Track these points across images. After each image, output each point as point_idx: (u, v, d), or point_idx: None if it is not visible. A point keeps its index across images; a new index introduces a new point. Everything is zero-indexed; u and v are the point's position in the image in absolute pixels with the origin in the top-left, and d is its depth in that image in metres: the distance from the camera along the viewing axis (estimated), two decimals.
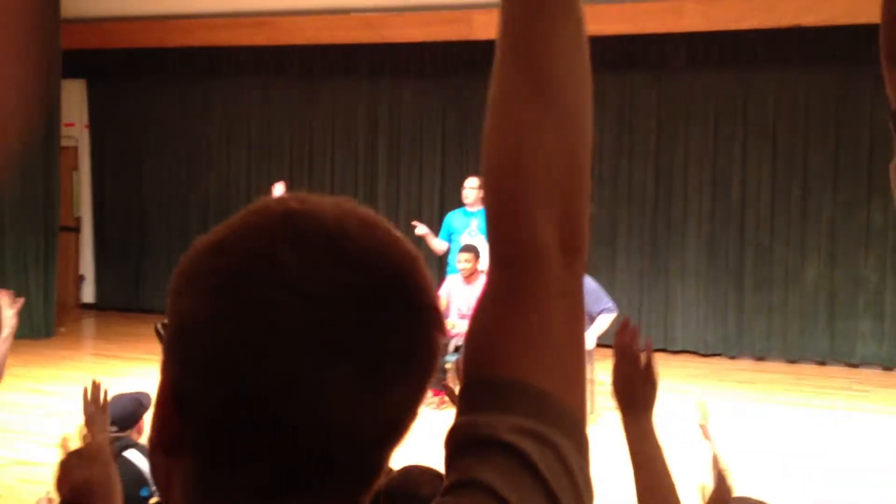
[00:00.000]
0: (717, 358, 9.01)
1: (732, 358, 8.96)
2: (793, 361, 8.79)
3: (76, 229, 11.40)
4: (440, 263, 8.33)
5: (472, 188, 7.69)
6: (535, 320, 0.75)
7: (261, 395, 0.63)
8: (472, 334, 0.77)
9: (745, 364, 8.82)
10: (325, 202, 0.70)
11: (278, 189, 6.93)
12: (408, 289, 0.67)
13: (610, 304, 6.65)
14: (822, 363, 8.71)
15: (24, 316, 9.66)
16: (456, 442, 0.72)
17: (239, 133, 10.67)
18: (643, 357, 1.61)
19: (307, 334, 0.63)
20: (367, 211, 0.71)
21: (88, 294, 11.43)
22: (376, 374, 0.65)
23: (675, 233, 9.17)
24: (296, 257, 0.64)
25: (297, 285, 0.63)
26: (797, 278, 8.78)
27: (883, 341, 8.52)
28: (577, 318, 0.78)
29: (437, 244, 7.84)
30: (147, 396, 4.10)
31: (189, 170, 10.87)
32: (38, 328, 9.43)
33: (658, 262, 9.22)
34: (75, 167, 11.32)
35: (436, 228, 8.01)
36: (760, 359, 8.92)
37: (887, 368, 8.51)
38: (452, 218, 7.83)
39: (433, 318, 0.69)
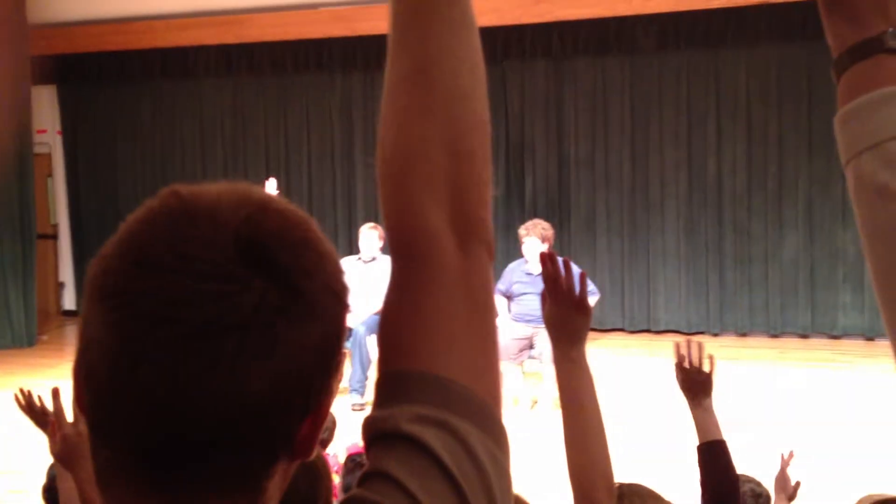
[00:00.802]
0: (701, 335, 9.05)
1: (716, 335, 9.03)
2: (775, 336, 8.87)
3: (54, 236, 11.31)
4: None
5: None
6: (430, 308, 0.74)
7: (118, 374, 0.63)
8: (380, 326, 0.77)
9: (729, 340, 8.89)
10: (219, 185, 0.70)
11: (270, 185, 6.90)
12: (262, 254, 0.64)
13: (592, 287, 6.67)
14: (805, 336, 8.79)
15: (4, 325, 9.68)
16: (367, 435, 0.74)
17: (213, 133, 10.62)
18: (576, 288, 1.61)
19: (181, 313, 0.62)
20: (267, 196, 0.70)
21: (70, 301, 11.36)
22: (262, 337, 0.62)
23: (653, 214, 9.21)
24: (161, 226, 0.66)
25: (148, 258, 0.64)
26: (776, 254, 8.85)
27: (864, 312, 8.60)
28: (481, 305, 0.77)
29: None
30: None
31: (164, 171, 10.80)
32: (20, 337, 9.37)
33: (638, 244, 9.27)
34: (50, 174, 11.23)
35: None
36: (743, 335, 8.99)
37: (869, 339, 8.59)
38: None
39: (310, 293, 0.65)
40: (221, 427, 0.62)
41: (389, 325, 0.76)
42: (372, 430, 0.73)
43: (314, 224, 0.70)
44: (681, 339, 8.79)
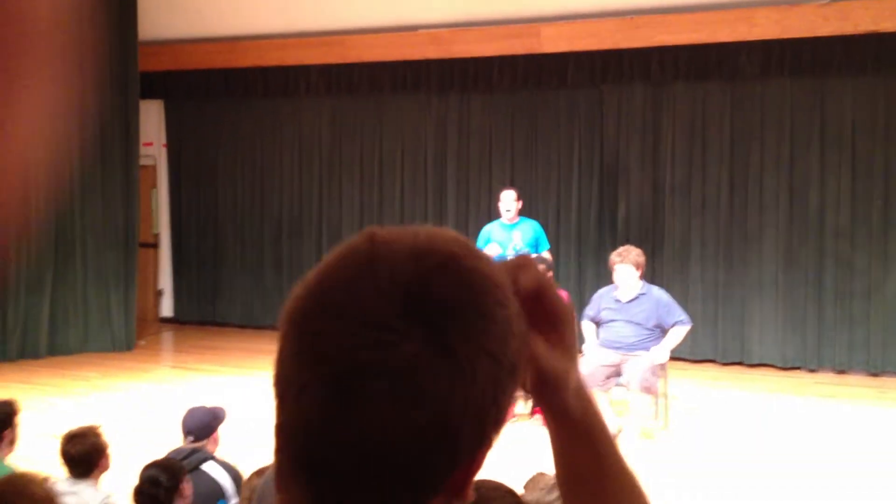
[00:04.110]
0: (797, 371, 8.80)
1: (812, 371, 8.75)
2: (875, 374, 8.55)
3: (155, 245, 11.69)
4: None
5: (512, 201, 7.60)
6: None
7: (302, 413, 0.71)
8: None
9: (826, 377, 8.60)
10: (410, 229, 0.74)
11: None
12: (480, 338, 0.70)
13: (683, 316, 6.55)
14: None
15: (106, 329, 10.03)
16: None
17: (310, 150, 10.84)
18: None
19: (347, 354, 0.68)
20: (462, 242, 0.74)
21: (167, 308, 11.70)
22: (407, 388, 0.68)
23: (751, 243, 9.00)
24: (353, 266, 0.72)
25: (380, 335, 0.68)
26: (879, 289, 8.54)
27: None
28: None
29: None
30: (222, 410, 4.17)
31: (262, 186, 11.07)
32: (120, 341, 9.69)
33: (733, 274, 9.06)
34: (154, 185, 11.62)
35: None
36: (841, 372, 8.69)
37: None
38: (492, 231, 7.72)
39: (512, 370, 0.72)
40: (364, 461, 0.69)
41: None
42: None
43: (493, 286, 0.72)
44: (775, 373, 8.50)
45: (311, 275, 0.75)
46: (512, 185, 9.73)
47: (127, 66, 9.64)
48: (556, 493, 2.66)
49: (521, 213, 7.74)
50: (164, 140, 11.52)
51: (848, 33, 8.30)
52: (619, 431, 6.36)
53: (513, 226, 7.60)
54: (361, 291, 0.70)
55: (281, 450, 0.74)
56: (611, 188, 9.50)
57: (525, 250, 7.41)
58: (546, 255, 7.57)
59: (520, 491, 2.79)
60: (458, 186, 10.18)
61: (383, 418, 0.67)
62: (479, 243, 7.68)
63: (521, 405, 7.06)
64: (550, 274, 7.17)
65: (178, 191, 11.50)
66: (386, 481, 0.70)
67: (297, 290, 0.75)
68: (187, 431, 3.92)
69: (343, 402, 0.68)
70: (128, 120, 9.78)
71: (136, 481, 3.28)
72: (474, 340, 0.69)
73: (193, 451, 3.72)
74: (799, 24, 8.41)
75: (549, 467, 3.04)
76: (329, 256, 0.75)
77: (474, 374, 0.69)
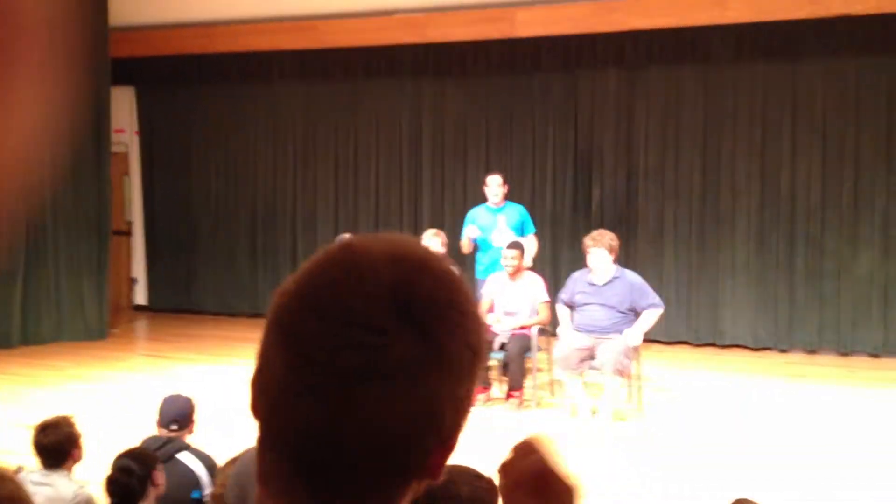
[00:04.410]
0: (768, 351, 8.90)
1: (783, 351, 8.85)
2: (845, 354, 8.66)
3: (128, 233, 11.61)
4: (471, 261, 8.33)
5: (498, 185, 7.64)
6: None
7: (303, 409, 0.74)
8: None
9: (797, 357, 8.70)
10: (381, 238, 0.79)
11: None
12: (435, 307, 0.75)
13: (656, 299, 6.60)
14: (876, 355, 8.56)
15: (78, 318, 9.94)
16: None
17: (284, 135, 10.78)
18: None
19: (338, 358, 0.72)
20: (422, 249, 0.79)
21: (140, 296, 11.64)
22: (403, 386, 0.72)
23: (723, 226, 9.07)
24: (333, 272, 0.76)
25: (361, 332, 0.72)
26: (849, 270, 8.64)
27: None
28: None
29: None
30: (192, 399, 4.15)
31: (236, 173, 11.01)
32: (92, 330, 9.63)
33: (706, 256, 9.14)
34: (126, 172, 11.53)
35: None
36: (812, 352, 8.80)
37: None
38: (477, 215, 7.76)
39: (448, 350, 0.75)
40: (365, 456, 0.74)
41: None
42: None
43: (463, 284, 0.79)
44: (747, 354, 8.61)
45: (290, 281, 0.79)
46: (488, 169, 9.76)
47: (98, 53, 9.53)
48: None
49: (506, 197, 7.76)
50: (136, 127, 11.42)
51: (820, 16, 8.35)
52: (594, 413, 6.41)
53: (498, 210, 7.63)
54: (349, 295, 0.73)
55: (271, 451, 0.77)
56: (585, 172, 9.54)
57: (510, 233, 7.45)
58: (532, 238, 7.60)
59: (494, 475, 2.80)
60: (433, 172, 10.18)
61: (382, 417, 0.72)
62: (465, 226, 7.72)
63: (496, 389, 7.10)
64: (524, 258, 7.22)
65: (151, 178, 11.42)
66: (381, 473, 0.75)
67: (280, 295, 0.78)
68: (170, 420, 3.90)
69: (343, 405, 0.72)
70: (99, 107, 9.68)
71: (108, 471, 3.27)
72: (458, 336, 0.75)
73: (168, 441, 3.71)
74: (771, 8, 8.46)
75: (506, 448, 3.04)
76: (308, 264, 0.79)
77: (459, 367, 0.75)
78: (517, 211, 7.68)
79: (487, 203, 7.72)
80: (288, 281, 0.79)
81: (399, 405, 0.72)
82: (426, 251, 0.79)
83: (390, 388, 0.72)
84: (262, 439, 0.78)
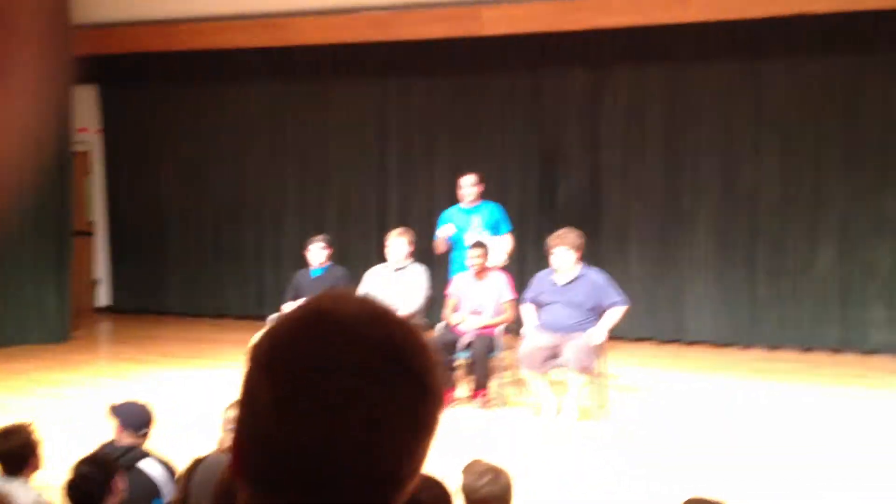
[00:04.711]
0: (731, 348, 9.00)
1: (745, 347, 8.95)
2: (806, 350, 8.77)
3: (90, 233, 11.48)
4: (446, 261, 8.34)
5: (471, 185, 7.65)
6: None
7: (300, 448, 0.82)
8: None
9: (759, 353, 8.81)
10: (352, 301, 0.88)
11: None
12: (417, 373, 0.85)
13: (620, 297, 6.65)
14: (836, 351, 8.69)
15: (39, 321, 9.81)
16: None
17: (250, 134, 10.71)
18: None
19: (340, 407, 0.81)
20: (386, 309, 0.89)
21: (103, 297, 11.52)
22: (382, 431, 0.82)
23: (686, 224, 9.16)
24: (316, 342, 0.84)
25: (310, 362, 0.82)
26: (809, 267, 8.76)
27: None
28: None
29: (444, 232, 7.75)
30: (149, 406, 4.09)
31: (201, 172, 10.92)
32: (54, 333, 9.49)
33: (669, 254, 9.21)
34: (88, 172, 11.40)
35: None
36: (774, 348, 8.91)
37: None
38: (451, 215, 7.78)
39: (426, 390, 0.86)
40: (363, 490, 0.84)
41: None
42: None
43: (423, 329, 0.91)
44: (710, 350, 8.72)
45: (284, 327, 0.86)
46: (454, 167, 9.75)
47: (60, 51, 9.41)
48: (486, 479, 2.72)
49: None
50: (98, 126, 11.30)
51: (781, 14, 8.43)
52: (559, 412, 6.44)
53: (472, 210, 7.64)
54: (345, 352, 0.83)
55: (260, 483, 0.84)
56: (550, 171, 9.58)
57: (485, 233, 7.47)
58: (508, 236, 7.62)
59: (457, 477, 2.83)
60: (400, 170, 10.16)
61: (396, 450, 0.84)
62: (439, 226, 7.72)
63: (462, 389, 7.12)
64: (498, 256, 7.26)
65: (114, 178, 11.30)
66: (385, 493, 0.86)
67: (275, 331, 0.87)
68: (129, 425, 3.85)
69: (361, 442, 0.81)
70: (61, 105, 9.55)
71: (68, 477, 3.24)
72: (438, 374, 0.87)
73: (129, 449, 3.67)
74: (732, 6, 8.53)
75: (484, 453, 3.08)
76: (287, 322, 0.87)
77: (441, 397, 0.88)
78: (491, 210, 7.70)
79: (460, 204, 7.72)
80: (277, 329, 0.86)
81: (408, 437, 0.84)
82: (392, 311, 0.89)
83: (402, 425, 0.83)
84: (264, 479, 0.84)
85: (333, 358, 0.82)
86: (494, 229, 7.59)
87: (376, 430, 0.82)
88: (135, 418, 3.89)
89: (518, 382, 7.13)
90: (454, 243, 7.66)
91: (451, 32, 9.43)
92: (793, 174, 8.79)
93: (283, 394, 0.82)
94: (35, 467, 3.65)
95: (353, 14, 9.66)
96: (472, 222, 7.58)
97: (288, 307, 7.52)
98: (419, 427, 0.85)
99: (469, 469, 2.84)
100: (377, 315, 0.86)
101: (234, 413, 3.52)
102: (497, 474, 2.81)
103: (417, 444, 0.85)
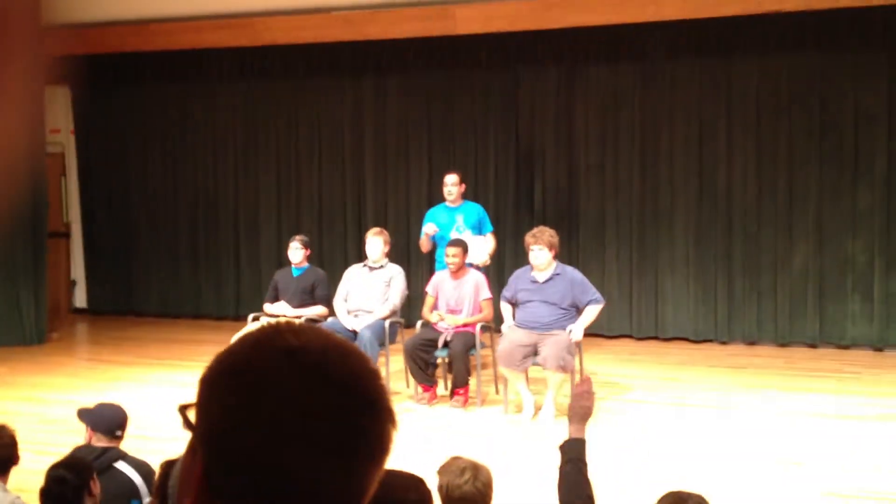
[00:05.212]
0: (709, 344, 9.06)
1: (724, 343, 9.01)
2: (784, 345, 8.85)
3: (66, 235, 11.39)
4: (430, 259, 8.35)
5: (453, 184, 7.68)
6: None
7: (269, 482, 0.86)
8: None
9: (737, 349, 8.87)
10: (313, 337, 0.91)
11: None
12: (374, 400, 0.90)
13: (596, 295, 6.67)
14: (813, 346, 8.76)
15: (15, 323, 9.71)
16: None
17: (225, 135, 10.66)
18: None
19: (306, 440, 0.85)
20: (342, 340, 0.93)
21: (80, 299, 11.44)
22: (352, 462, 0.88)
23: (662, 222, 9.20)
24: (295, 384, 0.87)
25: (297, 406, 0.86)
26: (786, 263, 8.83)
27: (872, 322, 8.58)
28: None
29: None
30: (123, 407, 4.05)
31: (176, 172, 10.86)
32: (30, 334, 9.42)
33: (646, 252, 9.26)
34: (63, 173, 11.31)
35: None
36: (751, 343, 8.97)
37: (877, 349, 8.57)
38: (436, 214, 7.80)
39: (391, 417, 0.92)
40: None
41: None
42: None
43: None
44: (688, 346, 8.79)
45: (260, 368, 0.89)
46: (431, 167, 9.78)
47: (31, 51, 9.32)
48: (466, 476, 2.73)
49: (442, 195, 7.79)
50: (71, 127, 11.21)
51: (752, 13, 8.50)
52: (538, 410, 6.46)
53: (456, 209, 7.66)
54: (321, 394, 0.87)
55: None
56: (527, 169, 9.60)
57: (467, 232, 7.48)
58: (490, 236, 7.65)
59: (436, 475, 2.83)
60: (376, 170, 10.15)
61: (363, 481, 0.90)
62: (423, 224, 7.73)
63: (441, 387, 7.13)
64: (481, 255, 7.29)
65: (89, 179, 11.21)
66: None
67: (257, 365, 0.89)
68: (99, 429, 3.82)
69: (340, 478, 0.87)
70: (33, 106, 9.46)
71: (43, 481, 3.21)
72: (389, 398, 0.94)
73: (105, 451, 3.65)
74: (704, 5, 8.57)
75: (463, 450, 3.08)
76: (262, 357, 0.90)
77: (395, 422, 0.94)
78: (475, 210, 7.74)
79: (445, 202, 7.75)
80: (260, 366, 0.89)
81: (377, 472, 0.91)
82: (356, 350, 0.94)
83: (375, 465, 0.90)
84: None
85: (304, 396, 0.87)
86: (477, 229, 7.62)
87: (343, 454, 0.87)
88: (106, 421, 3.85)
89: (497, 380, 7.14)
90: (438, 241, 7.68)
91: (424, 32, 9.43)
92: (767, 171, 8.86)
93: (246, 421, 0.86)
94: (9, 469, 3.61)
95: (325, 14, 9.63)
96: (456, 220, 7.60)
97: (269, 308, 7.52)
98: (382, 448, 0.91)
99: (448, 467, 2.84)
100: (336, 346, 0.92)
101: (174, 476, 3.50)
102: (477, 470, 2.82)
103: (378, 464, 0.91)
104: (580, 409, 2.64)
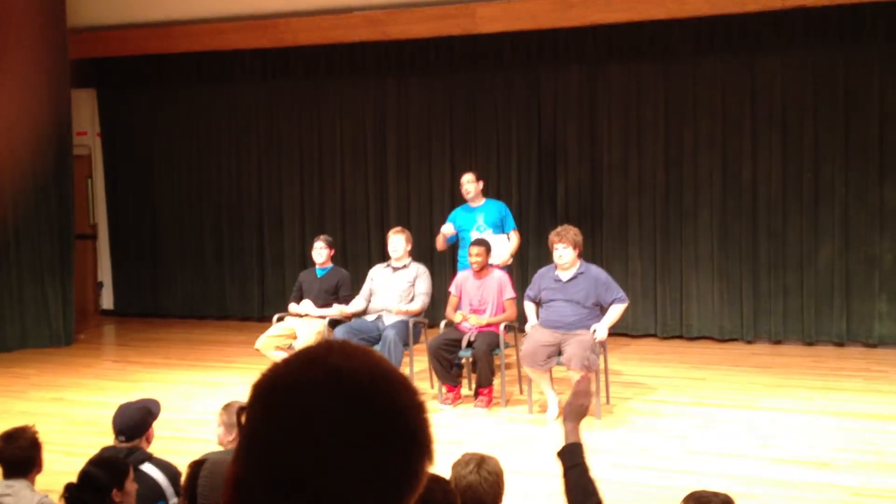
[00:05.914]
0: (734, 343, 8.99)
1: (749, 342, 8.94)
2: (810, 344, 8.77)
3: (93, 236, 11.49)
4: (453, 259, 8.35)
5: (469, 182, 7.68)
6: None
7: (300, 501, 0.89)
8: None
9: (762, 348, 8.80)
10: (363, 363, 0.94)
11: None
12: (414, 434, 0.94)
13: (620, 294, 6.64)
14: (840, 344, 8.68)
15: (43, 324, 9.81)
16: None
17: (248, 135, 10.72)
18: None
19: (344, 468, 0.88)
20: (391, 369, 0.96)
21: (107, 300, 11.53)
22: (386, 493, 0.91)
23: (686, 220, 9.15)
24: (340, 412, 0.90)
25: (339, 434, 0.89)
26: (812, 261, 8.75)
27: None
28: None
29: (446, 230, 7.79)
30: (156, 403, 4.08)
31: (200, 173, 10.93)
32: (58, 336, 9.50)
33: (671, 250, 9.21)
34: (90, 175, 11.41)
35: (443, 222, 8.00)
36: (777, 342, 8.90)
37: None
38: (457, 215, 7.81)
39: (428, 453, 0.95)
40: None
41: None
42: None
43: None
44: (713, 345, 8.71)
45: (288, 379, 0.93)
46: (453, 166, 9.77)
47: (57, 55, 9.41)
48: (471, 466, 2.75)
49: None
50: (97, 129, 11.31)
51: (775, 8, 8.43)
52: (562, 409, 6.44)
53: (477, 208, 7.67)
54: (342, 411, 0.90)
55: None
56: (549, 168, 9.58)
57: (488, 231, 7.49)
58: (513, 234, 7.65)
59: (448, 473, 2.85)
60: (398, 169, 10.16)
61: (399, 501, 0.93)
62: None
63: (465, 387, 7.12)
64: (503, 254, 7.29)
65: (115, 180, 11.31)
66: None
67: (280, 380, 0.93)
68: (118, 431, 3.84)
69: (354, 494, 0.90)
70: (60, 109, 9.55)
71: (75, 480, 3.24)
72: (431, 430, 0.97)
73: (131, 452, 3.67)
74: (727, 1, 8.52)
75: (486, 450, 3.07)
76: (296, 372, 0.93)
77: (432, 456, 0.97)
78: (496, 208, 7.74)
79: (467, 202, 7.77)
80: (282, 379, 0.93)
81: (403, 501, 0.93)
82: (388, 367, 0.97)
83: (403, 493, 0.93)
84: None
85: (345, 421, 0.89)
86: (499, 227, 7.61)
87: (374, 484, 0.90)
88: (128, 422, 3.87)
89: (521, 380, 7.13)
90: (461, 241, 7.68)
91: (446, 31, 9.44)
92: (792, 168, 8.78)
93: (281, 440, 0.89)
94: (37, 470, 3.65)
95: (347, 14, 9.66)
96: (477, 220, 7.60)
97: (293, 308, 7.55)
98: (415, 482, 0.94)
99: (457, 461, 2.88)
100: (384, 376, 0.95)
101: (225, 413, 3.51)
102: (482, 460, 2.85)
103: (410, 496, 0.94)
104: (578, 408, 2.62)
